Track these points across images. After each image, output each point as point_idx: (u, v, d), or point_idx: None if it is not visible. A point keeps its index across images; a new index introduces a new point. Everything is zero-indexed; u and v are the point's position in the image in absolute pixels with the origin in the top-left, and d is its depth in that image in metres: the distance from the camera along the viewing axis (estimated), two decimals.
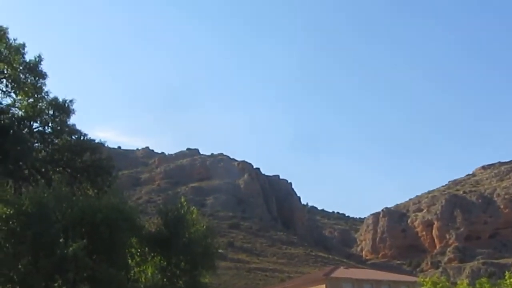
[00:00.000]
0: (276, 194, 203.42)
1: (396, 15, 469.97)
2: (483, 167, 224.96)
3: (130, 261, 29.76)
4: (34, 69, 33.30)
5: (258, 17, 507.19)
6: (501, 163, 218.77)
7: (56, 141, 34.72)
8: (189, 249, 30.74)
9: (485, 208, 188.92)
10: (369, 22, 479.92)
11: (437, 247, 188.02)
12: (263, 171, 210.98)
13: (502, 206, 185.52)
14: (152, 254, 30.96)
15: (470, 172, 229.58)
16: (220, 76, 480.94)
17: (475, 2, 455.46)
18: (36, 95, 33.69)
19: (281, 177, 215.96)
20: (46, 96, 33.92)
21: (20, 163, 32.45)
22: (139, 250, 30.81)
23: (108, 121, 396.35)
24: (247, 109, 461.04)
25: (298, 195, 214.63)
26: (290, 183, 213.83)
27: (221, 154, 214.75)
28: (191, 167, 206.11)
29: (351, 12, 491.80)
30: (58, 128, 34.27)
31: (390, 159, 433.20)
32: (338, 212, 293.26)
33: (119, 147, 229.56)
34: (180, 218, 31.83)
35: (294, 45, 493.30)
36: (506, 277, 46.42)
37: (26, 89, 33.39)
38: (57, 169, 34.50)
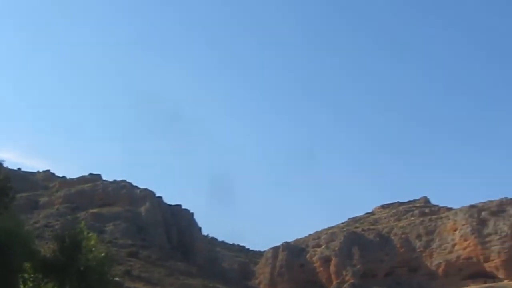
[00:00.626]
0: (177, 223, 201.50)
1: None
2: (382, 206, 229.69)
3: (22, 286, 28.98)
4: None
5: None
6: (399, 203, 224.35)
7: None
8: (84, 276, 30.22)
9: (382, 247, 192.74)
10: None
11: (334, 283, 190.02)
12: (165, 200, 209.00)
13: (398, 245, 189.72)
14: (46, 280, 30.15)
15: (370, 211, 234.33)
16: (129, 102, 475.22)
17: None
18: None
19: (183, 207, 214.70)
20: None
21: None
22: (32, 276, 30.00)
23: (10, 141, 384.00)
24: (153, 138, 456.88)
25: (199, 225, 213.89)
26: (192, 213, 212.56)
27: (124, 181, 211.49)
28: (92, 193, 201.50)
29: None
30: None
31: (291, 196, 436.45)
32: (238, 245, 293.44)
33: (19, 169, 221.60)
34: (77, 244, 31.27)
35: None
36: None
37: None
38: None
